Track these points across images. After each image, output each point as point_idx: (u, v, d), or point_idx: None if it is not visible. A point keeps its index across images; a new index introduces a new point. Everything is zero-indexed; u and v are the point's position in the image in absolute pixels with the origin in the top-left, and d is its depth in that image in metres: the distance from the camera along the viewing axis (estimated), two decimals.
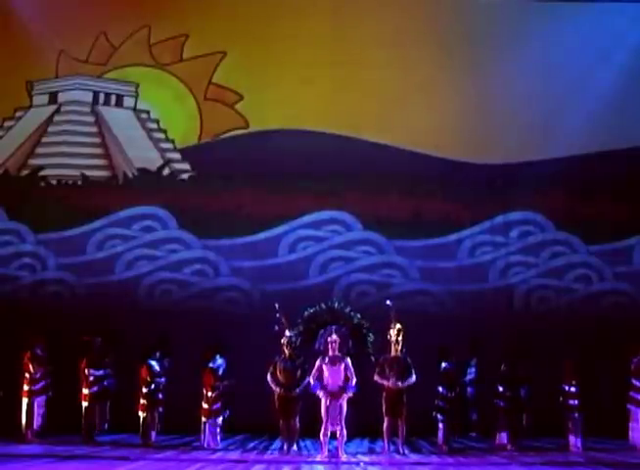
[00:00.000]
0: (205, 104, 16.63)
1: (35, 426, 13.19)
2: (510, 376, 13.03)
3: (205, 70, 16.66)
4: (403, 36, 16.53)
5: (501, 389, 13.06)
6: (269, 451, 12.47)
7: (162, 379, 12.88)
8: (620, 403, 13.26)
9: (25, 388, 13.19)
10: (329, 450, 11.70)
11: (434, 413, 12.66)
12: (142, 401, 12.73)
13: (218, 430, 12.72)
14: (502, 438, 13.06)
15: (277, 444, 12.95)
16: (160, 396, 12.84)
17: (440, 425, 12.65)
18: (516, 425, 12.97)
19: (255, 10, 16.44)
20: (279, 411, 12.39)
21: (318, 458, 11.58)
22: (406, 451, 12.27)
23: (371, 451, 12.69)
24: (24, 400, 13.16)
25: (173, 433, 13.64)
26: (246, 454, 12.09)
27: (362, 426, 12.90)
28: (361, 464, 11.10)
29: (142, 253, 16.20)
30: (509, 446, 12.78)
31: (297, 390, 12.22)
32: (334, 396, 11.55)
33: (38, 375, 13.25)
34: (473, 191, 16.30)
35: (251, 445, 13.24)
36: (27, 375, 13.21)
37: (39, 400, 13.28)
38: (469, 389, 14.59)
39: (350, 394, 11.66)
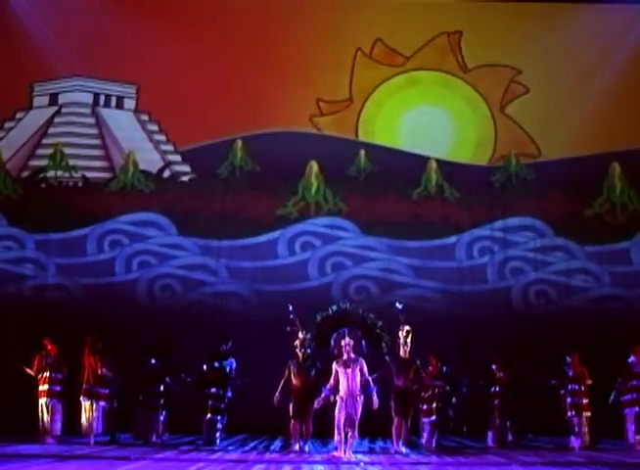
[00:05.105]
0: (500, 117, 16.69)
1: (55, 431, 13.02)
2: (506, 376, 13.08)
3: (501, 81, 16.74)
4: (401, 38, 16.60)
5: (496, 389, 13.12)
6: (269, 452, 12.45)
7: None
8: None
9: (41, 390, 13.08)
10: (328, 451, 11.67)
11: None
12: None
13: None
14: (506, 436, 13.08)
15: (277, 443, 12.93)
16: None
17: (428, 426, 12.81)
18: (509, 425, 13.02)
19: None
20: (294, 413, 12.16)
21: (318, 458, 11.53)
22: (404, 450, 12.25)
23: (371, 451, 12.67)
24: (42, 402, 13.07)
25: (174, 433, 13.65)
26: (245, 454, 12.07)
27: (362, 426, 12.85)
28: (361, 464, 11.04)
29: (142, 254, 16.23)
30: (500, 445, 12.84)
31: (316, 404, 11.92)
32: (350, 398, 11.36)
33: (51, 378, 13.13)
34: (472, 193, 16.32)
35: (252, 444, 13.23)
36: (39, 378, 13.11)
37: (54, 403, 13.13)
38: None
39: (375, 394, 11.45)
